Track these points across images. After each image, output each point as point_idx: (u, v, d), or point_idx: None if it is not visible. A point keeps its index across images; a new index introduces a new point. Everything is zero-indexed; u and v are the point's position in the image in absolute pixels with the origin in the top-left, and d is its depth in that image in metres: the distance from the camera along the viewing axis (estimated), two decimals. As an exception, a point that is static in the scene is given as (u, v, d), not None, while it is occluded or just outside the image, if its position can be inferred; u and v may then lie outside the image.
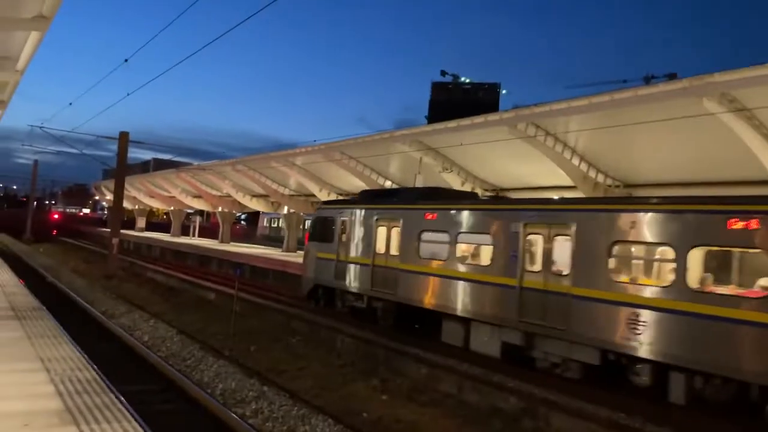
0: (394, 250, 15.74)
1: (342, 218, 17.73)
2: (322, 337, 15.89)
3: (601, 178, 20.29)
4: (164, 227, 70.79)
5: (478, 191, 22.92)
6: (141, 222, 72.14)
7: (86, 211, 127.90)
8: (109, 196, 59.43)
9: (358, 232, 17.11)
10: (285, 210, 41.17)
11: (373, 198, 18.01)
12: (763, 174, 15.30)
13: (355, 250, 17.11)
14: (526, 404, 10.45)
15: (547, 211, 12.38)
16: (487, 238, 13.23)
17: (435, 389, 11.59)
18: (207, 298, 22.85)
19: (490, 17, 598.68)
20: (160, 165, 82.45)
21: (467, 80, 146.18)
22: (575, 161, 19.99)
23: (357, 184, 30.56)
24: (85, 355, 8.74)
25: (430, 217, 14.87)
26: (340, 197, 34.49)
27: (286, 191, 38.84)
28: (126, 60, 17.14)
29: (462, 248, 14.11)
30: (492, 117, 20.73)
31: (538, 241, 12.23)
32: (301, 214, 41.18)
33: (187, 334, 15.50)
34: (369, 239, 16.58)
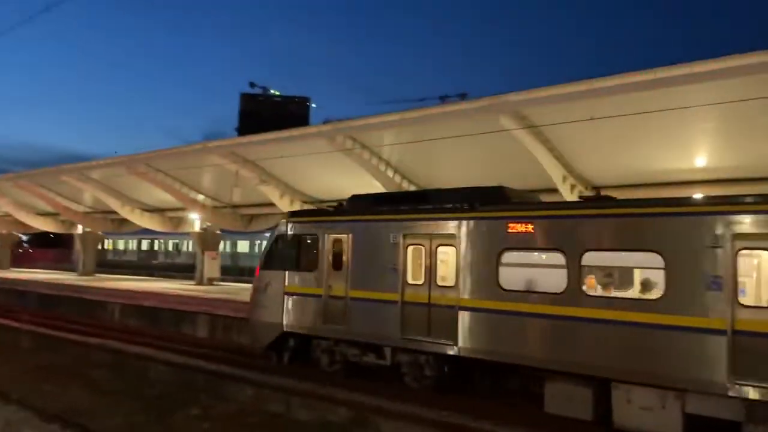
0: (444, 280, 11.51)
1: (333, 236, 12.93)
2: (132, 366, 14.39)
3: (413, 188, 21.43)
4: None
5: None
6: None
7: None
8: None
9: (368, 254, 12.48)
10: (79, 229, 37.04)
11: (383, 205, 13.00)
12: (551, 183, 17.38)
13: (362, 280, 12.49)
14: (356, 414, 10.46)
15: None
16: (654, 258, 9.20)
17: (263, 410, 11.09)
18: (-18, 335, 19.45)
19: (297, 31, 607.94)
20: None
21: (277, 93, 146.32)
22: (389, 173, 20.90)
23: (165, 199, 28.66)
24: None
25: (519, 228, 10.63)
26: (163, 211, 31.97)
27: (81, 208, 35.05)
28: None
29: (594, 274, 10.07)
30: (310, 129, 20.91)
31: (765, 260, 8.61)
32: (99, 232, 37.47)
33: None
34: (391, 264, 12.04)
